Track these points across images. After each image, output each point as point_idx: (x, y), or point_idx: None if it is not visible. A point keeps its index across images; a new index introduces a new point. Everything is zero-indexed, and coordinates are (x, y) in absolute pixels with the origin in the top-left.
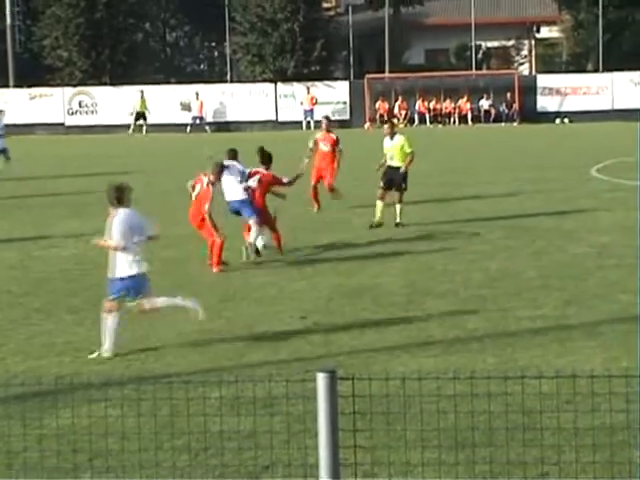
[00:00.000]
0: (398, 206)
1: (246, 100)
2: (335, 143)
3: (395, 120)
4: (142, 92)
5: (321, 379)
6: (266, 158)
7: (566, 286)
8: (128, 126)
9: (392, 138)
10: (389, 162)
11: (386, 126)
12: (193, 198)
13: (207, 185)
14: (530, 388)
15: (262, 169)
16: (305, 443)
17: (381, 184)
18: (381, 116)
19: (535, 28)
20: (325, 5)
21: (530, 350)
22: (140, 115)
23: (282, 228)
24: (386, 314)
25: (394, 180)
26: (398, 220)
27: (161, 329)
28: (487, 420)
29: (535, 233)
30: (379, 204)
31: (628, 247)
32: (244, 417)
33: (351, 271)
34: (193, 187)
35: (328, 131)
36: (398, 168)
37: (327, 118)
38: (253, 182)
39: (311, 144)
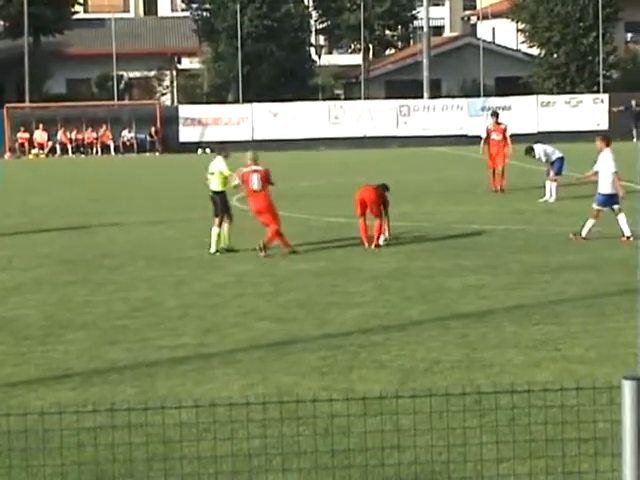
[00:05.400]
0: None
1: None
2: (505, 132)
3: (37, 150)
4: None
5: None
6: None
7: (205, 315)
8: None
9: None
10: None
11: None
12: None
13: None
14: (170, 418)
15: None
16: None
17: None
18: (21, 145)
19: (176, 59)
20: None
21: (170, 379)
22: None
23: None
24: (24, 348)
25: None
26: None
27: None
28: (128, 451)
29: (176, 263)
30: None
31: (265, 275)
32: None
33: None
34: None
35: (498, 123)
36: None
37: (496, 114)
38: None
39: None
